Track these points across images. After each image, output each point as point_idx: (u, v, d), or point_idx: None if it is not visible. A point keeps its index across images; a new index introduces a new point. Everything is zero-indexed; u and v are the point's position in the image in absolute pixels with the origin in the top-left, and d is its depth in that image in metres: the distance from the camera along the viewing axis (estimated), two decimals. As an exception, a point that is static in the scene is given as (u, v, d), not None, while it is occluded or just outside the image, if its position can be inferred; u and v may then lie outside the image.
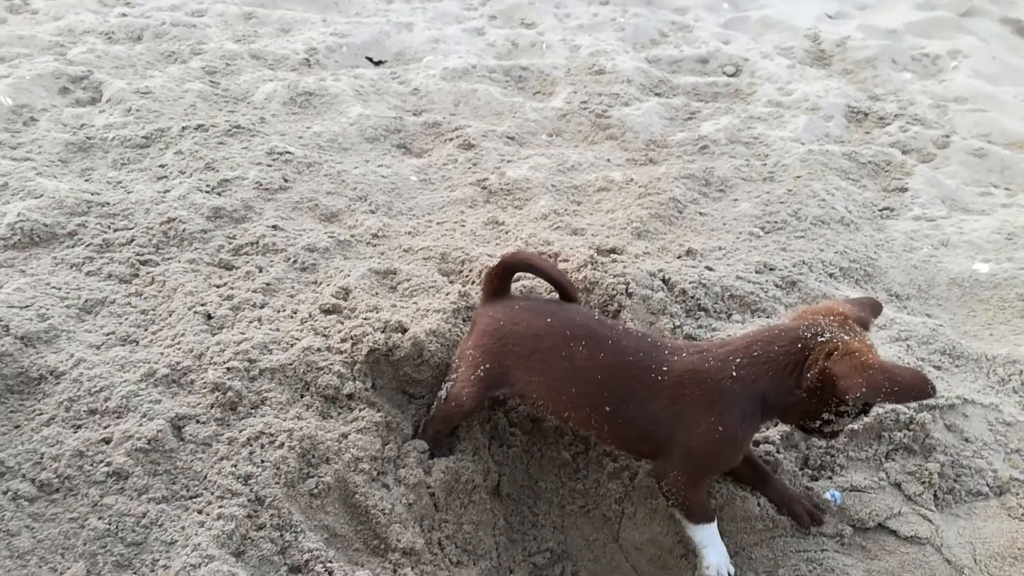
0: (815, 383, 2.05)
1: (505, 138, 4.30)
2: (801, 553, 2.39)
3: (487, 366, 2.41)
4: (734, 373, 2.13)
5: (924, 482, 2.53)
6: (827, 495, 2.50)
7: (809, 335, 2.09)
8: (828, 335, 2.07)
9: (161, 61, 4.73)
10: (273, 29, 5.36)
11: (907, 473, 2.55)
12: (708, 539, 2.32)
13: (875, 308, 2.28)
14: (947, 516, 2.51)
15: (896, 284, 3.49)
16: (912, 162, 4.37)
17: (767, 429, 2.65)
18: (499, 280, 2.51)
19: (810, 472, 2.57)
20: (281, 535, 2.09)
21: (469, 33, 5.64)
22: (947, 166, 4.45)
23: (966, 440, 2.68)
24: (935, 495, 2.54)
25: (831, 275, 3.39)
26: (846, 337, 2.05)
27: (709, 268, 3.24)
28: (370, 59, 5.15)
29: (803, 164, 4.16)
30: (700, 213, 3.80)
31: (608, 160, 4.23)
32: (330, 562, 2.08)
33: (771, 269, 3.29)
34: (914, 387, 1.94)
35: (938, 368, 2.97)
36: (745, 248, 3.49)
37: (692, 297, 3.04)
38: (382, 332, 2.56)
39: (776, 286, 3.20)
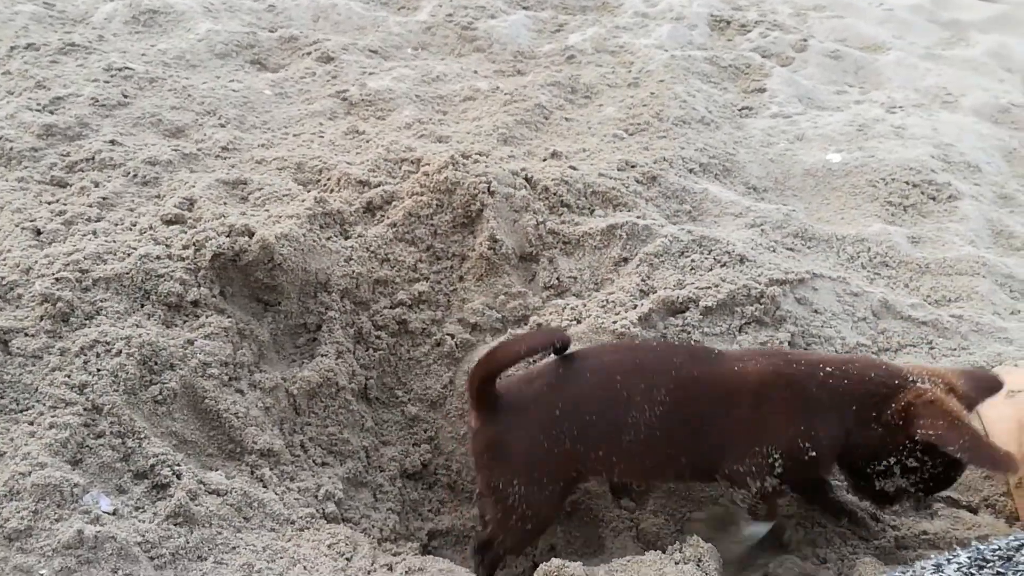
0: (895, 419, 1.94)
1: (367, 51, 4.16)
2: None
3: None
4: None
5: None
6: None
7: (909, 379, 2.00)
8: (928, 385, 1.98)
9: (-14, -17, 4.34)
10: (114, -51, 4.99)
11: (759, 344, 2.64)
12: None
13: (988, 386, 2.11)
14: (797, 382, 2.62)
15: (754, 177, 3.58)
16: (771, 64, 4.47)
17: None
18: (486, 387, 2.09)
19: (669, 350, 2.63)
20: (123, 442, 1.99)
21: (329, -48, 5.40)
22: (805, 68, 4.58)
23: (815, 311, 2.79)
24: (786, 363, 2.64)
25: (691, 171, 3.45)
26: (944, 396, 1.95)
27: (572, 167, 3.23)
28: (223, -22, 4.86)
29: (666, 69, 4.18)
30: (566, 119, 3.78)
31: (475, 72, 4.15)
32: (178, 465, 2.00)
33: (633, 166, 3.31)
34: (995, 461, 1.86)
35: (791, 250, 3.08)
36: (609, 149, 3.50)
37: (555, 194, 3.03)
38: (227, 236, 2.45)
39: (637, 181, 3.23)
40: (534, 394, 2.11)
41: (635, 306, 2.67)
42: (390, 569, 1.99)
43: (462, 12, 4.68)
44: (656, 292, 2.72)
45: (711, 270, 2.79)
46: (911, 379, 1.99)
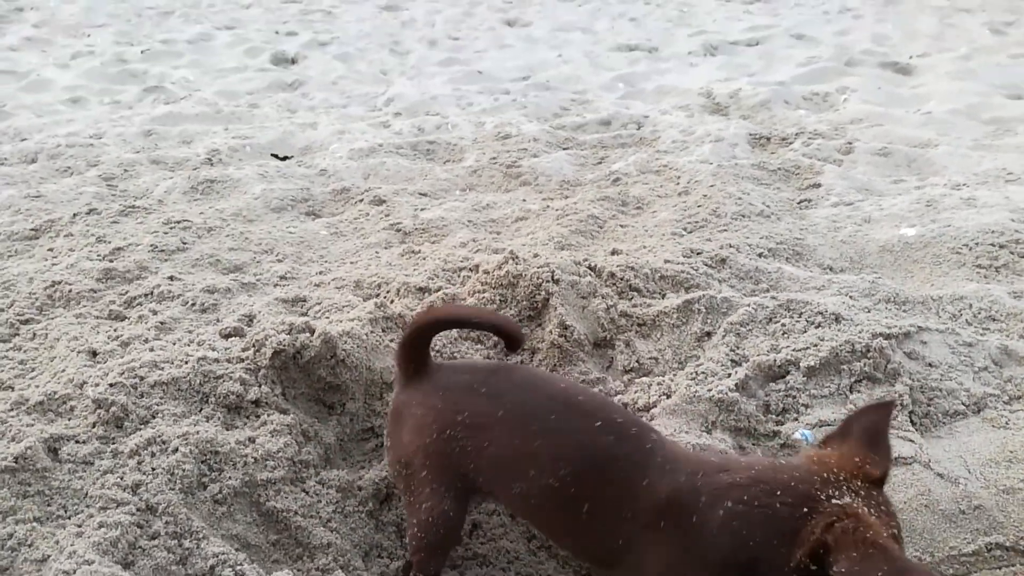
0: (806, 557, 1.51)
1: (418, 194, 4.22)
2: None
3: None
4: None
5: (896, 406, 2.33)
6: (797, 435, 2.28)
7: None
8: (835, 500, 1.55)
9: (56, 175, 4.58)
10: (174, 142, 5.30)
11: (875, 398, 2.35)
12: None
13: (881, 427, 1.69)
14: (929, 438, 2.31)
15: (827, 259, 3.40)
16: (821, 164, 4.41)
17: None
18: (417, 349, 1.93)
19: (774, 417, 2.36)
20: (179, 543, 1.77)
21: (375, 126, 5.67)
22: (855, 167, 4.51)
23: (930, 365, 2.51)
24: (911, 419, 2.34)
25: (760, 255, 3.29)
26: (853, 504, 1.53)
27: (636, 260, 3.11)
28: (275, 155, 5.09)
29: (715, 177, 4.15)
30: (621, 226, 3.71)
31: (524, 200, 4.16)
32: (239, 565, 1.76)
33: (698, 253, 3.18)
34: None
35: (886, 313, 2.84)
36: (671, 245, 3.39)
37: (622, 279, 2.89)
38: (287, 333, 2.32)
39: (706, 264, 3.08)
40: (456, 382, 1.90)
41: (728, 375, 2.44)
42: (490, 668, 1.66)
43: (505, 155, 4.78)
44: (749, 360, 2.49)
45: (805, 332, 2.57)
46: (820, 502, 1.54)
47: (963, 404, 2.41)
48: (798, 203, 3.97)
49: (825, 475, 1.58)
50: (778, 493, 1.57)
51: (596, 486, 1.74)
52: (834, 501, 1.53)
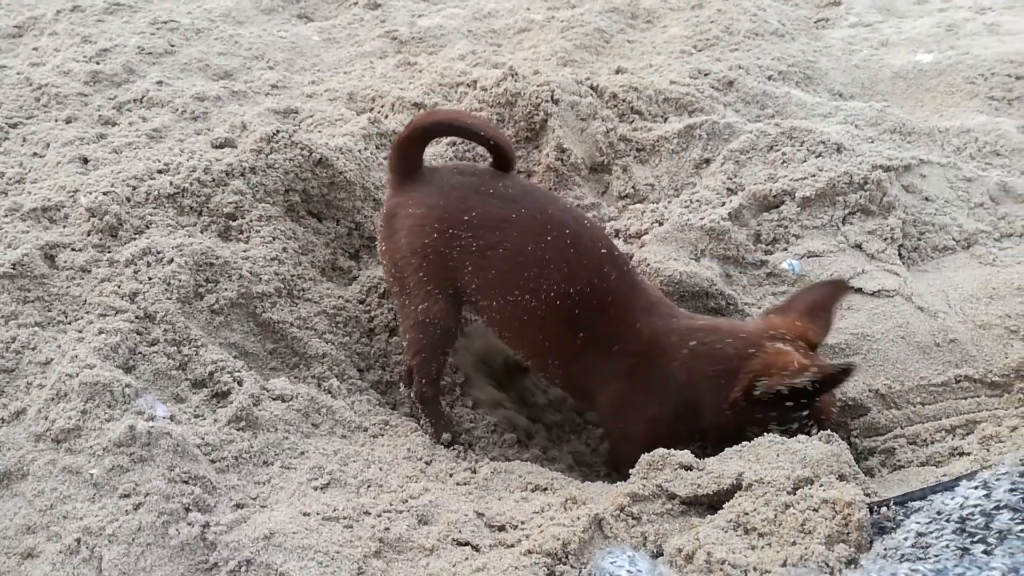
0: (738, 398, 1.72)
1: (414, -1, 4.01)
2: (763, 320, 2.20)
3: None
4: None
5: (886, 239, 2.35)
6: (784, 264, 2.31)
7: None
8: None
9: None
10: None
11: (867, 233, 2.37)
12: None
13: (835, 295, 1.90)
14: (915, 272, 2.34)
15: (838, 84, 3.29)
16: (843, -20, 4.16)
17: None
18: (412, 151, 1.92)
19: (763, 246, 2.38)
20: (178, 350, 1.83)
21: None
22: (879, -15, 4.26)
23: (926, 199, 2.50)
24: (900, 252, 2.36)
25: (769, 77, 3.18)
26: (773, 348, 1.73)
27: (640, 79, 3.00)
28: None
29: (730, -10, 3.92)
30: (628, 41, 3.56)
31: (527, 9, 3.96)
32: (238, 371, 1.83)
33: (706, 74, 3.07)
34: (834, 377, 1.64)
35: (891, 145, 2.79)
36: (678, 64, 3.26)
37: (624, 101, 2.81)
38: (282, 148, 2.28)
39: (713, 87, 2.98)
40: (461, 182, 1.88)
41: (723, 203, 2.43)
42: (473, 472, 1.78)
43: (510, -43, 4.50)
44: (745, 188, 2.47)
45: (805, 161, 2.53)
46: (763, 347, 1.73)
47: (953, 239, 2.42)
48: (815, 22, 3.79)
49: (771, 332, 1.76)
50: (728, 340, 1.76)
51: (594, 316, 1.80)
52: (777, 345, 1.72)
